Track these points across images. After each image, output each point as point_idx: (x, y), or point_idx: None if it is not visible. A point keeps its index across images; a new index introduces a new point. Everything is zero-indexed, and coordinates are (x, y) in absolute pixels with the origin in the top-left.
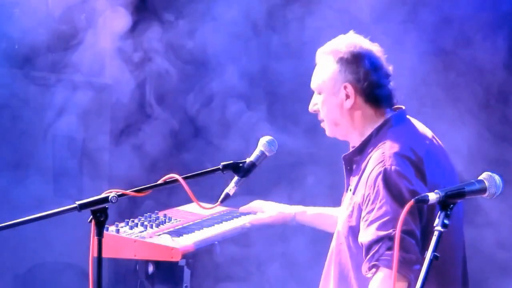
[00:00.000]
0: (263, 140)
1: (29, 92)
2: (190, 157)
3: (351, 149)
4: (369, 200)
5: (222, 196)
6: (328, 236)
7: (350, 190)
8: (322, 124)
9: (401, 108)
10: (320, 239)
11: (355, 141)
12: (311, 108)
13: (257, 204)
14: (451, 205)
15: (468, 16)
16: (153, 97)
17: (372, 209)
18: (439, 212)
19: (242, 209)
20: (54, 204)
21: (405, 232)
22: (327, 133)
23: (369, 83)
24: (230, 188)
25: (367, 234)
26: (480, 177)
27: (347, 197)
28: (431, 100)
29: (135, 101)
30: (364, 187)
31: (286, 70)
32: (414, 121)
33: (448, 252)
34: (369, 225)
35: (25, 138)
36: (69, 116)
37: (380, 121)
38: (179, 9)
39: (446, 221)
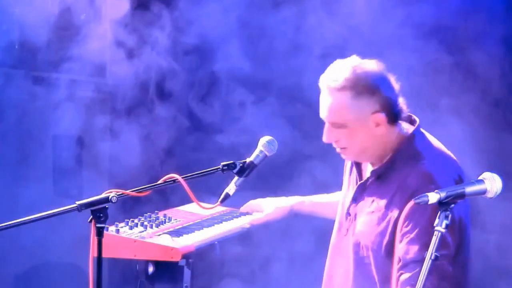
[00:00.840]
0: (263, 140)
1: (29, 92)
2: (191, 156)
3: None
4: (413, 218)
5: (222, 196)
6: (329, 230)
7: (378, 204)
8: (341, 152)
9: (412, 117)
10: (320, 239)
11: (375, 159)
12: (328, 140)
13: (254, 202)
14: (452, 205)
15: (468, 15)
16: (155, 96)
17: (417, 227)
18: (439, 212)
19: (243, 209)
20: (54, 204)
21: (445, 257)
22: (347, 158)
23: (391, 105)
24: (230, 188)
25: (408, 251)
26: (480, 177)
27: (368, 210)
28: (430, 101)
29: (136, 99)
30: (405, 202)
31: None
32: (430, 135)
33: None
34: (411, 243)
35: (25, 138)
36: (69, 115)
37: (400, 137)
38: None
39: (446, 222)
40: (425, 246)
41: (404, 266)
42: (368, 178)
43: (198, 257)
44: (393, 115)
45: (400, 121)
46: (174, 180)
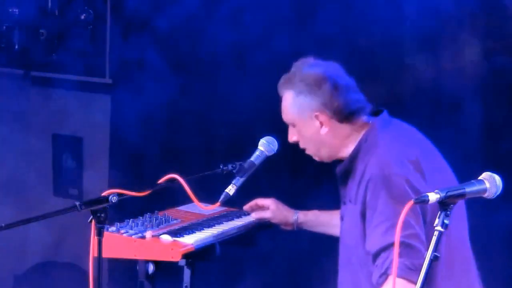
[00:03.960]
0: (263, 140)
1: (28, 92)
2: (193, 155)
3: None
4: (371, 207)
5: (222, 196)
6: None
7: (350, 201)
8: (306, 152)
9: (382, 111)
10: (320, 240)
11: (342, 155)
12: (290, 140)
13: (259, 201)
14: (451, 205)
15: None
16: (154, 95)
17: (376, 216)
18: (439, 212)
19: (247, 207)
20: (54, 204)
21: (411, 236)
22: (316, 158)
23: (337, 104)
24: (230, 188)
25: (373, 242)
26: (480, 177)
27: (348, 209)
28: (429, 100)
29: (137, 99)
30: (364, 195)
31: None
32: (399, 122)
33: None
34: (374, 232)
35: (25, 138)
36: (69, 115)
37: (363, 130)
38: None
39: (446, 221)
40: (388, 231)
41: (374, 259)
42: (339, 178)
43: (198, 257)
44: (342, 114)
45: (361, 118)
46: (174, 180)
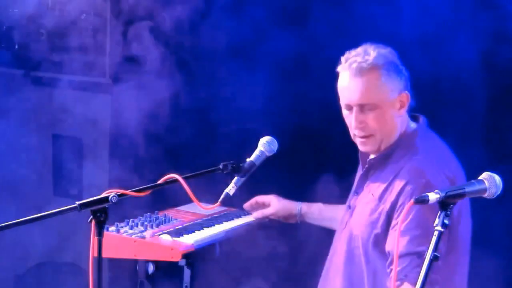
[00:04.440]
0: (263, 140)
1: (29, 92)
2: (194, 155)
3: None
4: (402, 210)
5: (222, 196)
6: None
7: (372, 195)
8: (365, 141)
9: (418, 116)
10: (321, 240)
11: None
12: (361, 124)
13: (260, 198)
14: (451, 205)
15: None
16: (155, 95)
17: (406, 221)
18: (439, 212)
19: (247, 205)
20: (54, 204)
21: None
22: (371, 147)
23: (410, 85)
24: (230, 188)
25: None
26: (480, 177)
27: (362, 201)
28: (427, 100)
29: (137, 99)
30: (397, 195)
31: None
32: (436, 135)
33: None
34: (400, 236)
35: (25, 137)
36: (69, 115)
37: (408, 128)
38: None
39: (446, 221)
40: (414, 240)
41: (393, 261)
42: (367, 168)
43: (198, 257)
44: (410, 98)
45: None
46: (174, 180)
